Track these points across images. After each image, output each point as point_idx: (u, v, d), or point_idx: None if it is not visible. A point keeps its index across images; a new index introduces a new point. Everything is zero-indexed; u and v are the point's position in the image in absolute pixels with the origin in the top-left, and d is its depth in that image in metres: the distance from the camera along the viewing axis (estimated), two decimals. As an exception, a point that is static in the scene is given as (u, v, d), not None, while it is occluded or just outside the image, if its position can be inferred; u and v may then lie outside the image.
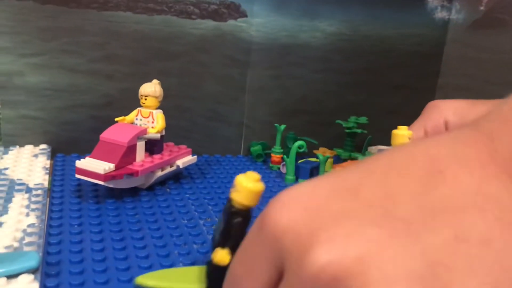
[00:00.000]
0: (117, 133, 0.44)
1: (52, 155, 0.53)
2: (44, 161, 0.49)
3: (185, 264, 0.35)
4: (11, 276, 0.29)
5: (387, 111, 0.68)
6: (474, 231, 0.18)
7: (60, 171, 0.50)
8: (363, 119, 0.63)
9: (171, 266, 0.34)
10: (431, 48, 0.69)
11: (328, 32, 0.63)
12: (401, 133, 0.39)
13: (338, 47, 0.64)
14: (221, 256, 0.27)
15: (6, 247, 0.33)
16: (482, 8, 0.66)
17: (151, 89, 0.46)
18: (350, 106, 0.66)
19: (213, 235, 0.30)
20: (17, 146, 0.53)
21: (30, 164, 0.48)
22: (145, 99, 0.47)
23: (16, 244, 0.33)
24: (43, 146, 0.54)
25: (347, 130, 0.62)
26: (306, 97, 0.64)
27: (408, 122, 0.42)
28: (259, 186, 0.27)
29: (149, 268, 0.34)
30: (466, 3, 0.67)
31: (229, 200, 0.28)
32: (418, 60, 0.69)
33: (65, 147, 0.55)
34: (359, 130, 0.61)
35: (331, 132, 0.64)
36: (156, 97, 0.47)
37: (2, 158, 0.50)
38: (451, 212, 0.19)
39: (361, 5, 0.64)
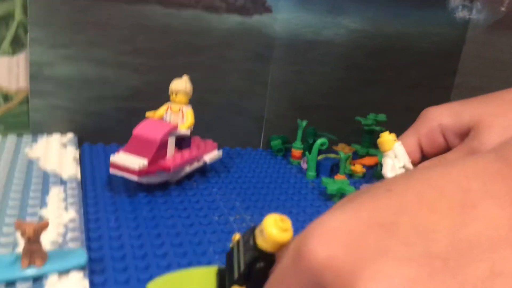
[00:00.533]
0: (150, 129, 0.45)
1: (79, 144, 0.54)
2: (73, 152, 0.50)
3: (221, 262, 0.36)
4: (62, 273, 0.31)
5: (405, 108, 0.69)
6: (508, 265, 0.19)
7: (89, 162, 0.51)
8: (382, 117, 0.64)
9: (208, 263, 0.36)
10: (450, 47, 0.70)
11: (351, 29, 0.64)
12: (385, 139, 0.39)
13: (360, 44, 0.65)
14: None
15: (52, 242, 0.34)
16: (503, 9, 0.67)
17: (181, 85, 0.47)
18: (369, 103, 0.67)
19: (229, 252, 0.29)
20: (45, 134, 0.54)
21: (60, 155, 0.49)
22: (176, 95, 0.47)
23: (60, 240, 0.34)
24: (70, 135, 0.55)
25: (365, 127, 0.63)
26: (326, 93, 0.65)
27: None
28: (288, 236, 0.25)
29: (187, 265, 0.35)
30: (487, 3, 0.68)
31: (252, 237, 0.26)
32: (436, 58, 0.69)
33: (90, 136, 0.56)
34: (377, 128, 0.62)
35: (349, 128, 0.65)
36: (186, 93, 0.48)
37: (31, 147, 0.51)
38: (486, 247, 0.19)
39: (384, 3, 0.65)
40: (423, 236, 0.20)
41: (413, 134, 0.43)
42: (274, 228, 0.24)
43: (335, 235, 0.21)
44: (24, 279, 0.29)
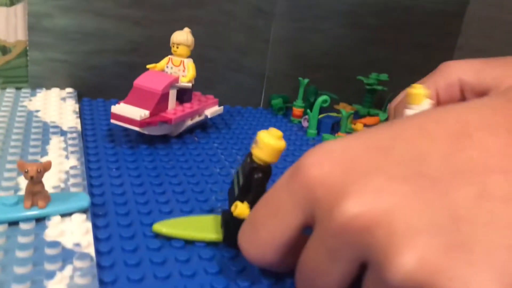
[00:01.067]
0: (151, 80, 0.44)
1: (78, 99, 0.54)
2: (73, 105, 0.50)
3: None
4: (64, 215, 0.30)
5: (408, 68, 0.68)
6: (498, 190, 0.19)
7: (89, 115, 0.50)
8: (384, 76, 0.63)
9: (211, 210, 0.36)
10: (454, 7, 0.69)
11: (354, -14, 0.63)
12: (417, 92, 0.38)
13: (364, 2, 0.64)
14: (241, 209, 0.28)
15: (54, 187, 0.34)
16: (509, -32, 0.65)
17: (183, 37, 0.46)
18: (372, 62, 0.66)
19: (230, 187, 0.31)
20: (44, 89, 0.53)
21: (60, 107, 0.49)
22: (177, 47, 0.47)
23: (62, 185, 0.34)
24: (69, 89, 0.54)
25: (367, 87, 0.62)
26: (329, 51, 0.64)
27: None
28: (282, 143, 0.27)
29: (189, 212, 0.35)
30: (494, -38, 0.67)
31: (249, 155, 0.28)
32: (440, 19, 0.68)
33: (90, 91, 0.55)
34: (379, 87, 0.62)
35: (351, 87, 0.65)
36: (188, 46, 0.47)
37: (30, 100, 0.50)
38: (477, 172, 0.20)
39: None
40: (417, 158, 0.21)
41: (431, 86, 0.41)
42: (267, 136, 0.27)
43: (331, 155, 0.22)
44: (27, 219, 0.29)
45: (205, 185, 0.39)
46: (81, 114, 0.50)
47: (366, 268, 0.21)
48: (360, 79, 0.62)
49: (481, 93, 0.40)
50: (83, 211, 0.31)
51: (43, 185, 0.30)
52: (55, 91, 0.53)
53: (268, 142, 0.27)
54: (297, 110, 0.59)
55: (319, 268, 0.22)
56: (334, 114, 0.58)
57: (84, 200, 0.31)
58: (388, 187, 0.20)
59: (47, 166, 0.29)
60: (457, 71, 0.41)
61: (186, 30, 0.47)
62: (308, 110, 0.55)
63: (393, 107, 0.47)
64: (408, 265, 0.18)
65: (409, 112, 0.40)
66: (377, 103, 0.65)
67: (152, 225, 0.32)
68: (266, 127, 0.55)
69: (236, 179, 0.30)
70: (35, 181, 0.29)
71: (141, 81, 0.44)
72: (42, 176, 0.29)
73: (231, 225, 0.29)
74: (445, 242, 0.18)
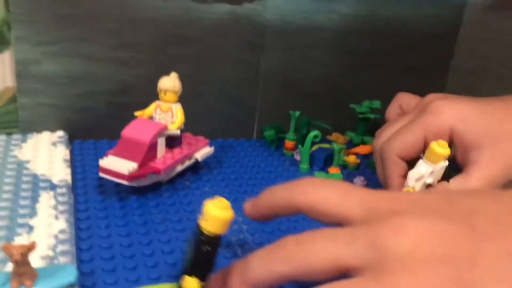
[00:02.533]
0: (138, 130, 0.44)
1: (70, 141, 0.54)
2: (63, 151, 0.50)
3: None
4: (52, 292, 0.31)
5: (401, 92, 0.68)
6: None
7: (80, 161, 0.50)
8: (376, 104, 0.63)
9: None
10: (447, 29, 0.69)
11: (344, 14, 0.62)
12: (440, 152, 0.37)
13: (354, 29, 0.63)
14: (190, 284, 0.28)
15: (42, 258, 0.34)
16: (500, -11, 0.65)
17: (170, 84, 0.46)
18: (364, 88, 0.66)
19: (182, 259, 0.31)
20: (34, 133, 0.53)
21: (50, 155, 0.49)
22: (164, 94, 0.47)
23: (51, 253, 0.34)
24: (59, 133, 0.54)
25: (360, 115, 0.62)
26: (320, 79, 0.64)
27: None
28: (228, 214, 0.27)
29: (177, 278, 0.35)
30: (484, -17, 0.66)
31: (197, 227, 0.28)
32: (433, 41, 0.68)
33: (81, 133, 0.55)
34: (372, 116, 0.62)
35: (344, 114, 0.65)
36: (175, 92, 0.47)
37: (21, 148, 0.50)
38: None
39: (378, -14, 0.63)
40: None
41: (420, 129, 0.41)
42: (213, 207, 0.27)
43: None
44: (14, 301, 0.29)
45: (194, 241, 0.39)
46: (72, 159, 0.50)
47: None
48: (353, 108, 0.62)
49: (472, 145, 0.39)
50: (71, 286, 0.31)
51: (29, 265, 0.30)
52: (46, 135, 0.53)
53: (215, 214, 0.27)
54: (289, 143, 0.59)
55: None
56: (327, 146, 0.58)
57: (71, 275, 0.31)
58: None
59: (31, 248, 0.29)
60: (449, 119, 0.40)
61: (173, 75, 0.47)
62: (300, 145, 0.55)
63: (387, 117, 0.49)
64: None
65: (421, 169, 0.39)
66: (372, 130, 0.65)
67: (140, 294, 0.32)
68: (259, 163, 0.55)
69: (187, 250, 0.30)
70: (20, 263, 0.29)
71: (128, 131, 0.44)
72: (26, 258, 0.29)
73: None
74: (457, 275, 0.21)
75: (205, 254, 0.28)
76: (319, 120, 0.62)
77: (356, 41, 0.64)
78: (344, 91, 0.66)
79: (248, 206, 0.34)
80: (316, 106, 0.65)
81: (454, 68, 0.70)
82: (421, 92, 0.56)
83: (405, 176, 0.42)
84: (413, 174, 0.40)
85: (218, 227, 0.27)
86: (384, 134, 0.45)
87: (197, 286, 0.28)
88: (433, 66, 0.70)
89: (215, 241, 0.28)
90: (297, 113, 0.58)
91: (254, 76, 0.61)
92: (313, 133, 0.54)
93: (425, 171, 0.39)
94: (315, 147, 0.57)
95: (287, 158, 0.58)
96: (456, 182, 0.40)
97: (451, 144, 0.41)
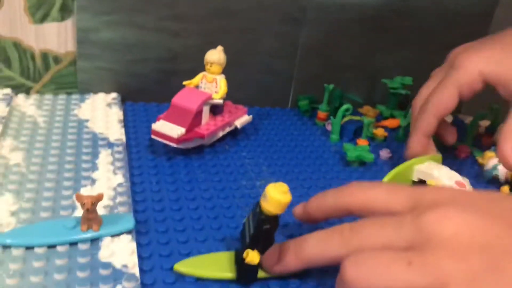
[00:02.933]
0: (186, 98, 0.49)
1: (122, 102, 0.59)
2: (117, 113, 0.55)
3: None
4: (114, 236, 0.37)
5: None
6: None
7: (132, 122, 0.56)
8: (408, 80, 0.66)
9: (236, 227, 0.41)
10: (483, 9, 0.70)
11: (383, -9, 0.65)
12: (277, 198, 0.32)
13: (392, 6, 0.66)
14: (252, 257, 0.32)
15: (105, 207, 0.40)
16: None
17: (216, 56, 0.51)
18: (397, 64, 0.69)
19: (242, 229, 0.35)
20: (91, 94, 0.59)
21: (106, 115, 0.55)
22: (210, 66, 0.51)
23: (111, 203, 0.40)
24: (114, 94, 0.60)
25: (391, 90, 0.65)
26: (356, 54, 0.67)
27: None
28: (287, 197, 0.31)
29: (218, 230, 0.40)
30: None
31: (258, 205, 0.32)
32: (468, 21, 0.70)
33: (133, 95, 0.61)
34: (403, 91, 0.65)
35: (377, 88, 0.68)
36: (220, 64, 0.51)
37: (80, 107, 0.56)
38: None
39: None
40: None
41: (453, 86, 0.45)
42: (274, 190, 0.31)
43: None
44: (84, 241, 0.35)
45: (232, 200, 0.45)
46: (125, 120, 0.56)
47: None
48: (385, 82, 0.66)
49: (505, 78, 0.43)
50: (129, 231, 0.37)
51: (96, 212, 0.36)
52: (101, 96, 0.59)
53: (275, 197, 0.31)
54: (322, 114, 0.63)
55: None
56: (357, 118, 0.62)
57: (130, 222, 0.37)
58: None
59: (99, 198, 0.35)
60: (476, 65, 0.45)
61: (219, 48, 0.51)
62: (331, 117, 0.59)
63: (418, 105, 0.51)
64: None
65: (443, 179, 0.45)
66: (401, 104, 0.68)
67: (186, 242, 0.38)
68: (292, 131, 0.60)
69: (247, 224, 0.34)
70: (90, 211, 0.35)
71: (177, 99, 0.49)
72: (95, 206, 0.35)
73: (243, 267, 0.33)
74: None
75: (265, 231, 0.32)
76: (352, 93, 0.65)
77: (393, 18, 0.67)
78: (378, 67, 0.69)
79: (299, 210, 0.37)
80: (350, 80, 0.68)
81: (487, 47, 0.72)
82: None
83: (430, 136, 0.48)
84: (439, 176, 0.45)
85: (277, 209, 0.31)
86: (423, 91, 0.50)
87: (258, 258, 0.32)
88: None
89: (274, 220, 0.32)
90: (331, 86, 0.62)
91: (293, 48, 0.65)
92: (345, 106, 0.58)
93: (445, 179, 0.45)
94: (346, 119, 0.61)
95: (319, 128, 0.62)
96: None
97: (484, 88, 0.45)
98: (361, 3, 0.64)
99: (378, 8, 0.65)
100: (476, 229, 0.25)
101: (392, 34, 0.68)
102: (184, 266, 0.35)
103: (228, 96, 0.57)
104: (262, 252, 0.33)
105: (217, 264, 0.35)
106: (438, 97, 0.47)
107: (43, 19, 0.56)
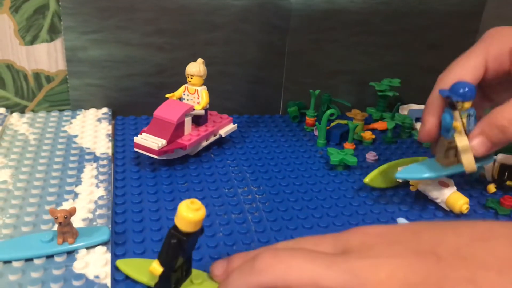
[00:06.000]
0: (168, 110, 0.51)
1: (113, 117, 0.61)
2: (106, 127, 0.57)
3: (224, 234, 0.42)
4: (89, 248, 0.38)
5: (423, 70, 0.71)
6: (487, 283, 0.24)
7: (121, 135, 0.58)
8: (395, 82, 0.66)
9: (213, 235, 0.42)
10: (471, 8, 0.70)
11: (366, -4, 0.65)
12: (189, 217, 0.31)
13: (376, 10, 0.66)
14: (153, 267, 0.32)
15: (83, 219, 0.41)
16: (526, -33, 0.65)
17: (195, 69, 0.52)
18: (386, 66, 0.69)
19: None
20: (83, 110, 0.61)
21: (95, 130, 0.56)
22: (191, 78, 0.52)
23: (90, 216, 0.42)
24: (104, 109, 0.62)
25: (379, 93, 0.66)
26: (343, 59, 0.68)
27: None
28: (197, 216, 0.30)
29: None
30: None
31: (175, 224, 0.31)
32: (457, 19, 0.70)
33: (123, 109, 0.63)
34: (390, 93, 0.65)
35: (366, 92, 0.68)
36: (201, 76, 0.52)
37: (71, 123, 0.58)
38: (477, 265, 0.25)
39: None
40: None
41: (481, 53, 0.41)
42: (185, 209, 0.30)
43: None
44: (60, 253, 0.37)
45: (212, 208, 0.46)
46: (114, 133, 0.58)
47: None
48: (372, 85, 0.66)
49: None
50: (104, 243, 0.39)
51: (71, 225, 0.37)
52: (92, 111, 0.61)
53: (186, 215, 0.30)
54: (309, 120, 0.63)
55: None
56: (345, 122, 0.63)
57: (105, 234, 0.39)
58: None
59: (72, 212, 0.37)
60: (509, 39, 0.40)
61: (199, 61, 0.53)
62: (317, 123, 0.60)
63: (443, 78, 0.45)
64: None
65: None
66: (390, 106, 0.68)
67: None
68: (279, 138, 0.61)
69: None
70: (63, 224, 0.36)
71: (159, 112, 0.51)
72: (69, 220, 0.37)
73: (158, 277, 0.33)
74: None
75: (171, 244, 0.31)
76: (341, 98, 0.66)
77: (378, 22, 0.67)
78: (366, 70, 0.69)
79: (219, 272, 0.34)
80: (339, 84, 0.69)
81: (478, 45, 0.72)
82: (442, 69, 0.59)
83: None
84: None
85: (187, 226, 0.30)
86: (436, 91, 0.44)
87: (158, 269, 0.32)
88: (457, 45, 0.71)
89: (184, 237, 0.31)
90: (317, 92, 0.62)
91: (279, 57, 0.66)
92: (329, 111, 0.58)
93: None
94: (334, 123, 0.62)
95: (307, 133, 0.63)
96: None
97: (509, 69, 0.41)
98: (343, 9, 0.65)
99: (362, 12, 0.66)
100: (407, 268, 0.26)
101: (377, 37, 0.68)
102: (124, 265, 0.36)
103: (218, 106, 0.58)
104: (163, 264, 0.32)
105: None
106: (462, 64, 0.42)
107: (33, 40, 0.58)
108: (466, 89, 0.40)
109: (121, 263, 0.37)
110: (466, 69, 0.41)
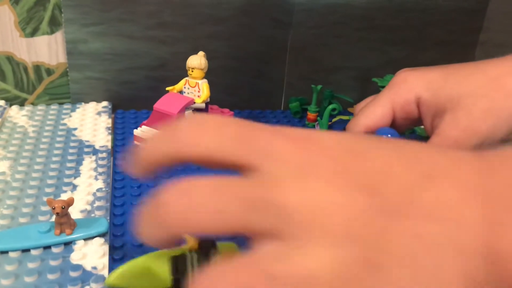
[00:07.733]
0: (168, 103, 0.50)
1: (113, 111, 0.61)
2: (106, 120, 0.57)
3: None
4: (87, 239, 0.38)
5: (429, 66, 0.70)
6: (428, 235, 0.20)
7: (121, 128, 0.57)
8: (398, 78, 0.65)
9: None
10: (475, 4, 0.69)
11: (370, -9, 0.65)
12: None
13: (380, 6, 0.66)
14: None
15: (81, 211, 0.41)
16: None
17: (197, 62, 0.52)
18: (390, 63, 0.69)
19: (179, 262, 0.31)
20: (83, 103, 0.61)
21: (94, 124, 0.56)
22: (192, 71, 0.52)
23: (88, 208, 0.41)
24: (104, 103, 0.61)
25: (382, 89, 0.65)
26: (346, 54, 0.67)
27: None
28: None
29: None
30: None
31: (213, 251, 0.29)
32: (461, 16, 0.69)
33: (124, 103, 0.62)
34: (393, 90, 0.65)
35: (368, 87, 0.68)
36: (202, 69, 0.52)
37: (70, 116, 0.58)
38: (420, 214, 0.20)
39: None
40: (379, 176, 0.21)
41: (387, 102, 0.41)
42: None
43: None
44: (57, 244, 0.37)
45: (211, 202, 0.45)
46: (114, 126, 0.57)
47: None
48: (375, 81, 0.65)
49: (438, 112, 0.39)
50: (102, 235, 0.38)
51: (68, 216, 0.37)
52: (92, 105, 0.60)
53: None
54: (311, 115, 0.63)
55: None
56: (347, 118, 0.62)
57: (103, 226, 0.38)
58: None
59: (70, 202, 0.36)
60: (414, 88, 0.40)
61: (200, 54, 0.52)
62: (319, 118, 0.59)
63: (359, 108, 0.45)
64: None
65: None
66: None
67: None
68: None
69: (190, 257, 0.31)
70: (61, 215, 0.36)
71: (159, 104, 0.50)
72: (66, 210, 0.36)
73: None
74: (364, 256, 0.19)
75: None
76: (343, 93, 0.65)
77: (382, 17, 0.66)
78: (370, 66, 0.69)
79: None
80: (342, 80, 0.68)
81: (482, 42, 0.71)
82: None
83: None
84: None
85: None
86: (367, 100, 0.45)
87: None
88: (461, 41, 0.71)
89: None
90: (319, 87, 0.62)
91: (282, 52, 0.65)
92: (331, 106, 0.58)
93: None
94: (335, 119, 0.61)
95: (309, 128, 0.62)
96: None
97: (419, 114, 0.41)
98: (347, 4, 0.64)
99: (366, 7, 0.65)
100: (345, 213, 0.20)
101: (381, 33, 0.67)
102: (117, 279, 0.31)
103: (219, 101, 0.58)
104: None
105: (151, 270, 0.32)
106: (370, 112, 0.41)
107: (33, 33, 0.58)
108: (389, 135, 0.40)
109: (114, 280, 0.31)
110: (372, 119, 0.41)
